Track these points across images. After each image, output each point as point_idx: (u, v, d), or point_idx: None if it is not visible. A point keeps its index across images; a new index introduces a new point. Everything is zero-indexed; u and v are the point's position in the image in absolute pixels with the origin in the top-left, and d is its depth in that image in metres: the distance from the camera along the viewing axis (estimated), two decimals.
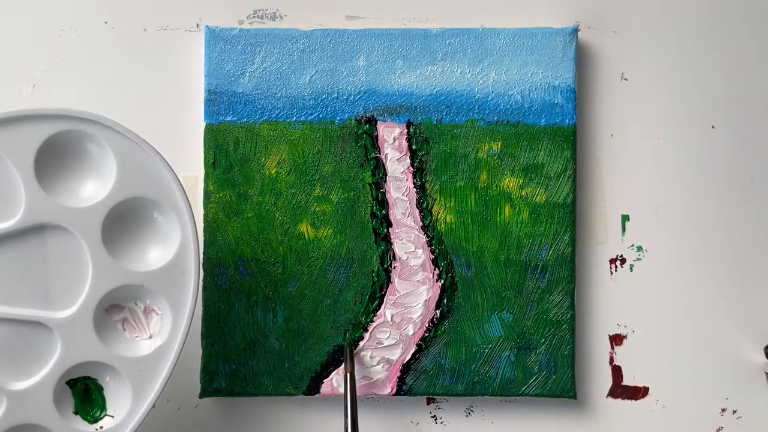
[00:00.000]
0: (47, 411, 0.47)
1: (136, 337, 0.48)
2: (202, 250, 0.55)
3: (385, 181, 0.56)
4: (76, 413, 0.48)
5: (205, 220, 0.55)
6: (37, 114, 0.45)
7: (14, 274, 0.46)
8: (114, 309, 0.48)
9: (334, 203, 0.55)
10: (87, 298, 0.46)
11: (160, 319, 0.48)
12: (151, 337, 0.48)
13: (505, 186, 0.55)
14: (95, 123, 0.45)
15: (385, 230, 0.55)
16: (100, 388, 0.48)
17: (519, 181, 0.55)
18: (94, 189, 0.47)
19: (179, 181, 0.46)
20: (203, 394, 0.55)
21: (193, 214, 0.47)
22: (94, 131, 0.45)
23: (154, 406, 0.47)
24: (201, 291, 0.55)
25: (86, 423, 0.48)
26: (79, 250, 0.46)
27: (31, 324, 0.47)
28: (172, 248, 0.47)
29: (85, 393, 0.48)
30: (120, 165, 0.46)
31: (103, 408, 0.48)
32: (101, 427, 0.48)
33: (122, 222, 0.47)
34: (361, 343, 0.55)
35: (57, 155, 0.46)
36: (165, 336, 0.47)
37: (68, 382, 0.48)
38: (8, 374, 0.47)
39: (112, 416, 0.48)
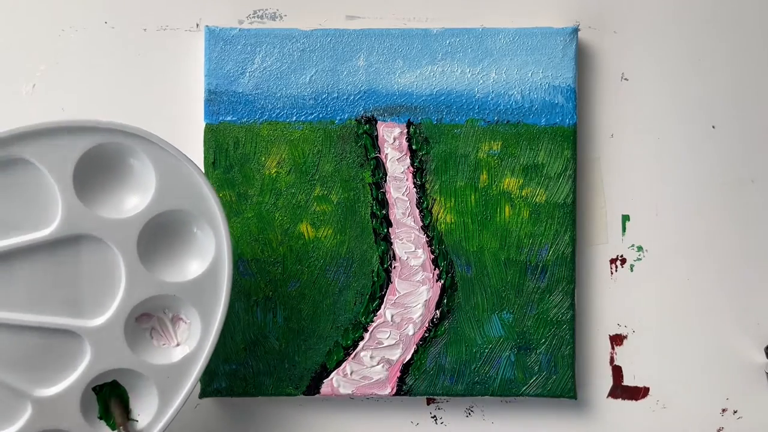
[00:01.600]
0: (73, 417, 0.47)
1: (164, 344, 0.49)
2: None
3: (385, 181, 0.56)
4: (100, 418, 0.48)
5: None
6: (77, 126, 0.45)
7: (47, 282, 0.46)
8: (144, 317, 0.49)
9: (334, 203, 0.55)
10: (119, 308, 0.47)
11: (187, 328, 0.49)
12: (178, 345, 0.49)
13: (505, 186, 0.55)
14: (136, 137, 0.46)
15: (385, 230, 0.55)
16: (125, 393, 0.49)
17: (519, 181, 0.55)
18: (133, 202, 0.47)
19: (217, 195, 0.47)
20: (203, 394, 0.55)
21: (228, 229, 0.47)
22: (135, 145, 0.46)
23: (178, 412, 0.48)
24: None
25: (110, 428, 0.48)
26: (114, 261, 0.47)
27: (61, 332, 0.47)
28: (206, 260, 0.48)
29: (110, 398, 0.49)
30: (159, 179, 0.46)
31: (127, 413, 0.49)
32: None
33: (159, 233, 0.47)
34: (361, 343, 0.55)
35: (97, 167, 0.46)
36: (193, 344, 0.48)
37: (94, 388, 0.48)
38: (34, 381, 0.47)
39: (137, 420, 0.49)
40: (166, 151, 0.46)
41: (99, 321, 0.47)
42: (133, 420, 0.49)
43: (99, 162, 0.46)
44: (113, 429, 0.48)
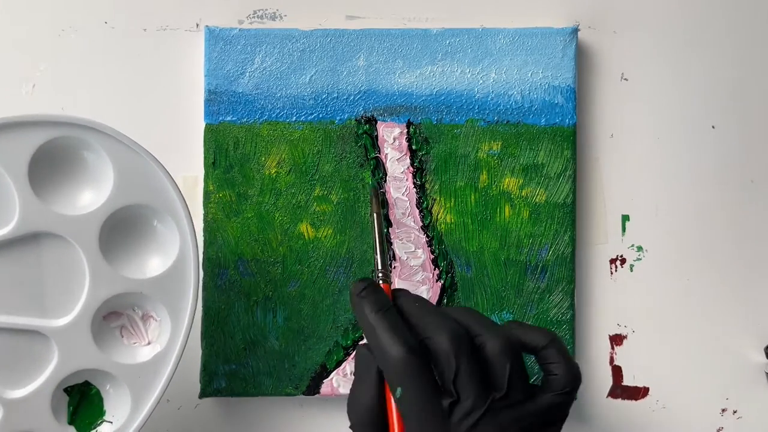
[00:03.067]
0: (45, 419, 0.47)
1: (134, 343, 0.48)
2: (201, 252, 0.55)
3: (385, 181, 0.56)
4: (70, 423, 0.48)
5: (205, 220, 0.55)
6: (30, 120, 0.44)
7: (9, 282, 0.46)
8: (112, 316, 0.48)
9: (334, 203, 0.55)
10: (84, 306, 0.46)
11: (158, 326, 0.48)
12: (149, 343, 0.48)
13: (505, 186, 0.55)
14: (91, 129, 0.45)
15: (385, 230, 0.55)
16: (98, 394, 0.48)
17: (519, 181, 0.55)
18: (91, 197, 0.46)
19: (178, 188, 0.46)
20: (203, 394, 0.55)
21: (192, 221, 0.47)
22: (91, 138, 0.45)
23: (152, 412, 0.47)
24: (201, 292, 0.55)
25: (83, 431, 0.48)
26: (76, 258, 0.46)
27: (27, 332, 0.46)
28: (171, 255, 0.47)
29: (81, 400, 0.48)
30: (117, 172, 0.45)
31: (100, 414, 0.48)
32: None
33: (120, 229, 0.47)
34: (361, 343, 0.55)
35: (52, 162, 0.46)
36: (164, 342, 0.47)
37: (66, 390, 0.48)
38: (4, 382, 0.46)
39: (111, 422, 0.48)
40: (123, 143, 0.45)
41: (65, 320, 0.46)
42: (107, 422, 0.48)
43: (54, 157, 0.45)
44: (88, 431, 0.48)
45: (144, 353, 0.48)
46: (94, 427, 0.48)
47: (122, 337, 0.48)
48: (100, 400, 0.48)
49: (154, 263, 0.47)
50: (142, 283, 0.46)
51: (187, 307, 0.47)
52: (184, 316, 0.47)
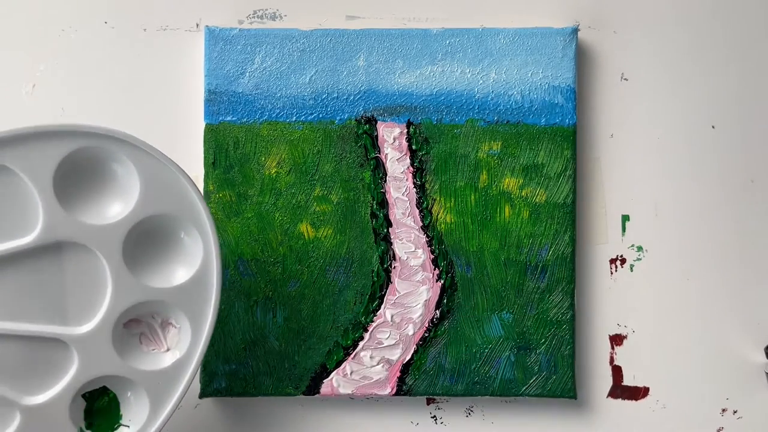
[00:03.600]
0: (62, 425, 0.47)
1: (153, 350, 0.48)
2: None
3: (385, 181, 0.56)
4: (87, 429, 0.48)
5: None
6: (56, 130, 0.44)
7: (31, 290, 0.46)
8: (132, 323, 0.48)
9: (334, 203, 0.55)
10: (106, 315, 0.46)
11: (177, 333, 0.48)
12: (168, 350, 0.48)
13: (505, 186, 0.55)
14: (117, 140, 0.45)
15: (385, 230, 0.55)
16: (115, 399, 0.48)
17: (519, 181, 0.55)
18: (117, 207, 0.46)
19: (203, 199, 0.46)
20: (203, 394, 0.55)
21: (216, 232, 0.47)
22: (117, 148, 0.45)
23: (170, 417, 0.48)
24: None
25: None
26: (99, 267, 0.46)
27: (47, 340, 0.46)
28: (194, 265, 0.47)
29: (99, 405, 0.48)
30: (143, 183, 0.45)
31: (117, 419, 0.48)
32: None
33: (145, 238, 0.47)
34: (361, 343, 0.55)
35: (78, 172, 0.46)
36: (184, 349, 0.48)
37: (84, 396, 0.48)
38: (22, 389, 0.46)
39: (128, 426, 0.48)
40: (150, 154, 0.45)
41: (86, 328, 0.46)
42: (124, 425, 0.48)
43: (80, 167, 0.45)
44: None
45: (164, 360, 0.48)
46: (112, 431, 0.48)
47: (141, 343, 0.48)
48: (117, 405, 0.48)
49: (177, 272, 0.48)
50: (165, 292, 0.47)
51: (208, 314, 0.47)
52: (204, 323, 0.47)
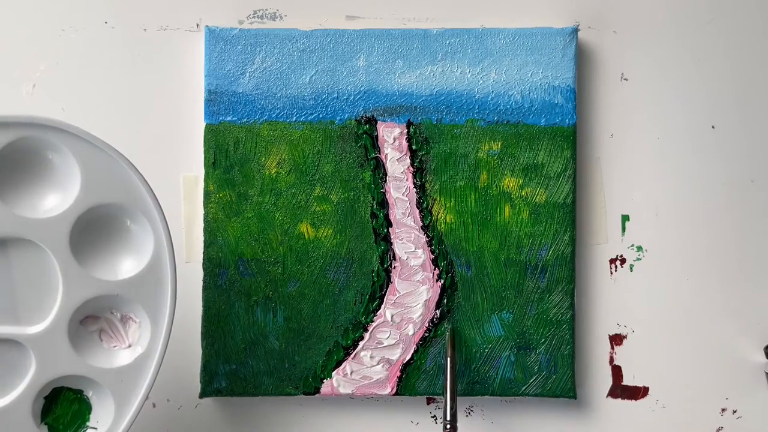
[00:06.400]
0: (26, 428, 0.45)
1: (115, 346, 0.47)
2: (203, 250, 0.55)
3: (385, 181, 0.56)
4: (47, 425, 0.46)
5: (205, 220, 0.55)
6: None
7: None
8: (89, 320, 0.46)
9: (334, 203, 0.55)
10: (59, 312, 0.44)
11: (138, 327, 0.47)
12: (130, 346, 0.47)
13: (505, 186, 0.55)
14: (54, 129, 0.43)
15: (385, 230, 0.55)
16: (79, 401, 0.47)
17: (519, 181, 0.55)
18: (58, 199, 0.44)
19: (149, 186, 0.45)
20: (203, 394, 0.55)
21: (165, 219, 0.45)
22: (54, 138, 0.43)
23: (137, 416, 0.46)
24: (201, 291, 0.55)
25: None
26: (47, 263, 0.44)
27: (2, 342, 0.45)
28: (146, 256, 0.45)
29: (62, 408, 0.46)
30: (84, 172, 0.44)
31: (84, 421, 0.47)
32: None
33: (92, 231, 0.45)
34: (361, 343, 0.55)
35: (15, 165, 0.44)
36: (145, 344, 0.46)
37: (46, 398, 0.46)
38: None
39: (95, 428, 0.47)
40: (88, 142, 0.43)
41: (40, 327, 0.45)
42: (92, 428, 0.46)
43: (17, 159, 0.44)
44: None
45: (125, 356, 0.46)
46: None
47: (102, 341, 0.47)
48: (83, 406, 0.47)
49: (128, 264, 0.46)
50: (117, 285, 0.45)
51: (165, 307, 0.45)
52: (163, 316, 0.45)
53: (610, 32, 0.57)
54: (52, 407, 0.46)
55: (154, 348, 0.46)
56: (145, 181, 0.44)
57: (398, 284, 0.55)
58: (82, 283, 0.44)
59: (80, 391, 0.47)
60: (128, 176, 0.44)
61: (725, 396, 0.57)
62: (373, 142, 0.55)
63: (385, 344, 0.55)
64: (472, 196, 0.55)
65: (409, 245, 0.55)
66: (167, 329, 0.45)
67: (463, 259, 0.55)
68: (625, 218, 0.57)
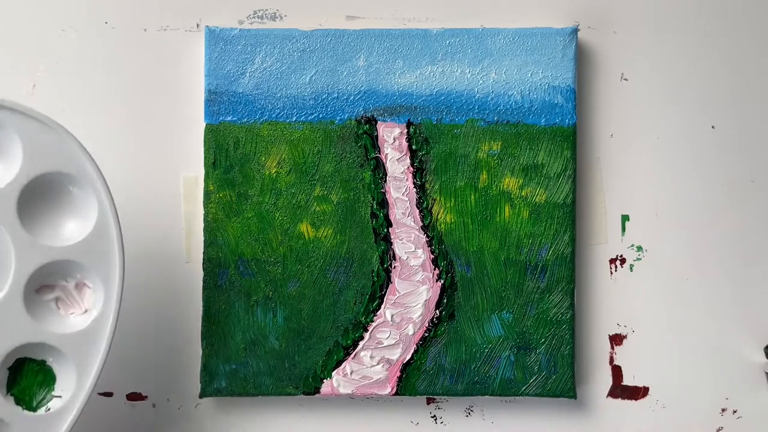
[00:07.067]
0: None
1: (72, 313, 0.48)
2: (203, 250, 0.55)
3: (385, 181, 0.56)
4: (17, 404, 0.46)
5: (205, 220, 0.55)
6: None
7: None
8: (45, 289, 0.47)
9: (334, 203, 0.55)
10: (14, 281, 0.45)
11: (93, 293, 0.47)
12: (86, 311, 0.48)
13: (505, 186, 0.55)
14: None
15: (385, 230, 0.55)
16: (43, 371, 0.47)
17: (519, 181, 0.55)
18: (1, 170, 0.46)
19: (87, 152, 0.46)
20: (203, 394, 0.55)
21: (106, 183, 0.46)
22: None
23: (98, 380, 0.47)
24: (201, 291, 0.55)
25: (24, 404, 0.47)
26: None
27: None
28: (91, 219, 0.46)
29: (26, 378, 0.47)
30: (25, 143, 0.45)
31: (50, 390, 0.47)
32: (49, 409, 0.47)
33: (37, 199, 0.46)
34: (361, 343, 0.55)
35: None
36: (99, 307, 0.47)
37: (9, 368, 0.47)
38: None
39: (60, 396, 0.47)
40: (28, 115, 0.45)
41: None
42: (57, 396, 0.47)
43: None
44: (36, 407, 0.47)
45: (81, 321, 0.47)
46: (45, 404, 0.47)
47: (59, 309, 0.48)
48: (48, 376, 0.47)
49: (75, 229, 0.47)
50: (67, 251, 0.46)
51: (115, 268, 0.46)
52: (114, 278, 0.46)
53: (610, 32, 0.57)
54: (17, 379, 0.47)
55: (108, 310, 0.47)
56: (84, 149, 0.46)
57: (398, 284, 0.55)
58: (33, 251, 0.45)
59: (43, 362, 0.47)
60: (68, 145, 0.45)
61: (725, 396, 0.57)
62: (373, 142, 0.55)
63: (385, 344, 0.55)
64: (472, 196, 0.55)
65: (409, 245, 0.55)
66: (118, 291, 0.47)
67: (463, 259, 0.55)
68: (625, 218, 0.57)
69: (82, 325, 0.47)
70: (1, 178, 0.46)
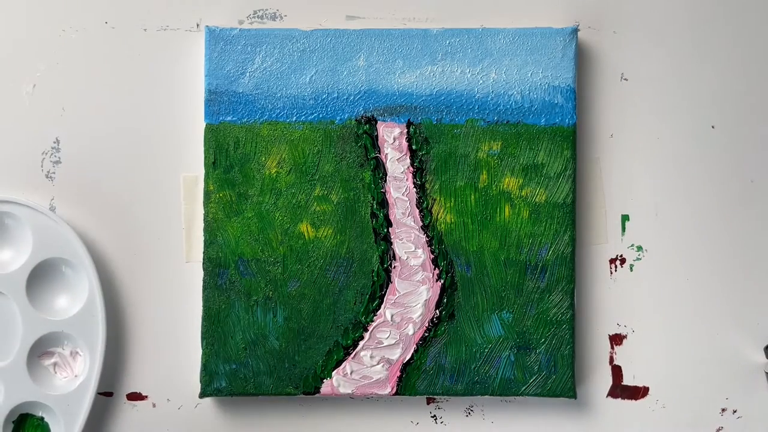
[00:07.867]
0: None
1: (65, 377, 0.56)
2: (203, 250, 0.55)
3: (385, 181, 0.56)
4: None
5: (205, 220, 0.55)
6: None
7: None
8: (46, 355, 0.56)
9: (334, 203, 0.55)
10: (20, 348, 0.54)
11: (83, 359, 0.55)
12: (76, 376, 0.55)
13: (505, 186, 0.55)
14: (12, 203, 0.54)
15: (385, 230, 0.55)
16: (44, 426, 0.55)
17: (519, 181, 0.55)
18: (11, 255, 0.55)
19: (82, 241, 0.54)
20: (203, 394, 0.55)
21: (94, 266, 0.54)
22: (12, 210, 0.54)
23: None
24: (201, 291, 0.55)
25: None
26: (9, 308, 0.55)
27: None
28: (82, 297, 0.55)
29: (28, 429, 0.55)
30: (35, 233, 0.54)
31: None
32: None
33: (40, 280, 0.55)
34: (361, 343, 0.55)
35: None
36: (85, 373, 0.55)
37: (15, 422, 0.55)
38: None
39: None
40: (37, 210, 0.54)
41: (5, 361, 0.54)
42: None
43: None
44: None
45: (70, 385, 0.55)
46: None
47: (56, 372, 0.56)
48: (44, 430, 0.55)
49: (67, 304, 0.55)
50: (63, 323, 0.55)
51: (98, 339, 0.54)
52: (97, 348, 0.54)
53: (610, 32, 0.57)
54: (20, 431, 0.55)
55: (91, 375, 0.55)
56: (79, 239, 0.54)
57: (398, 284, 0.55)
58: (36, 323, 0.55)
59: (42, 418, 0.55)
60: (69, 235, 0.54)
61: (725, 396, 0.57)
62: (373, 142, 0.55)
63: (385, 344, 0.55)
64: (472, 196, 0.55)
65: (409, 245, 0.55)
66: (100, 359, 0.54)
67: (463, 258, 0.55)
68: (625, 218, 0.57)
69: (70, 388, 0.55)
70: (14, 262, 0.55)
